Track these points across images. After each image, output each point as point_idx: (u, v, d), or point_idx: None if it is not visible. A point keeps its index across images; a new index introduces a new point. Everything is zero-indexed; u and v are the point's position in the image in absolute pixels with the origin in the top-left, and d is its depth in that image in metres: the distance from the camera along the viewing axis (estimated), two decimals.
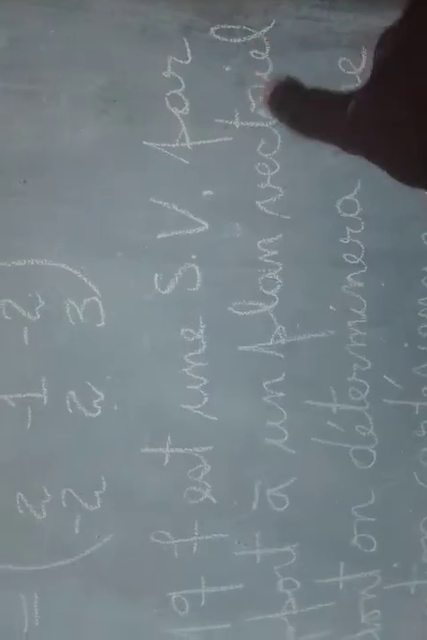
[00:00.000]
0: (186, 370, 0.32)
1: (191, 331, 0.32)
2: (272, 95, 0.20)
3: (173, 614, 0.31)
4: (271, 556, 0.31)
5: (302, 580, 0.33)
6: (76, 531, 0.30)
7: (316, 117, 0.19)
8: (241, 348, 0.32)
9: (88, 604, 0.30)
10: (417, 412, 0.33)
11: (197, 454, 0.31)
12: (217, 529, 0.31)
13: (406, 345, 0.32)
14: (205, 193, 0.32)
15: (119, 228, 0.31)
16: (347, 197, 0.32)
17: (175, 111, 0.35)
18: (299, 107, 0.20)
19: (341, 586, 0.33)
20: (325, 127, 0.19)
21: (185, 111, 0.31)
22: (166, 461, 0.31)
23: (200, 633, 0.31)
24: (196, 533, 0.31)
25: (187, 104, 0.35)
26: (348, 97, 0.18)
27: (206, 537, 0.31)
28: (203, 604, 0.31)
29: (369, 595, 0.33)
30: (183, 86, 0.30)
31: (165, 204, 0.31)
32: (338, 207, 0.32)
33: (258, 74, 0.31)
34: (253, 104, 0.32)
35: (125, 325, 0.33)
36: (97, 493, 0.30)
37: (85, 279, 0.35)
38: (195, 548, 0.31)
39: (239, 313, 0.32)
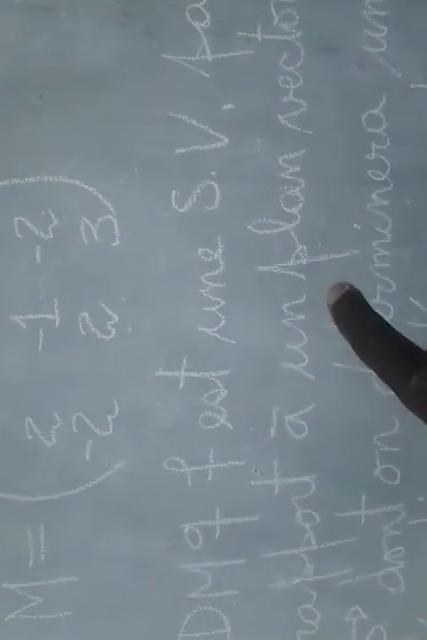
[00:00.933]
0: (203, 291, 0.32)
1: (209, 250, 0.32)
2: (337, 305, 0.20)
3: (186, 548, 0.31)
4: (290, 487, 0.31)
5: (322, 513, 0.32)
6: (87, 457, 0.30)
7: (379, 358, 0.19)
8: (260, 268, 0.32)
9: (97, 537, 0.31)
10: None
11: (213, 378, 0.31)
12: (233, 456, 0.31)
13: None
14: (226, 107, 0.31)
15: (136, 144, 0.31)
16: (372, 112, 0.32)
17: (196, 24, 0.37)
18: (365, 335, 0.19)
19: (362, 520, 0.33)
20: (387, 374, 0.18)
21: (206, 24, 0.31)
22: (181, 385, 0.31)
23: (213, 568, 0.31)
24: (211, 461, 0.30)
25: (208, 17, 0.37)
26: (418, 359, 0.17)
27: (222, 465, 0.30)
28: (217, 536, 0.30)
29: (392, 531, 0.32)
30: None
31: (183, 118, 0.31)
32: (363, 122, 0.32)
33: None
34: (276, 17, 0.32)
35: (141, 245, 0.33)
36: (109, 418, 0.30)
37: (100, 196, 0.36)
38: (209, 477, 0.30)
39: (259, 232, 0.32)
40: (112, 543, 0.35)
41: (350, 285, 0.21)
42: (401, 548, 0.38)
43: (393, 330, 0.19)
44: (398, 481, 0.37)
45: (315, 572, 0.37)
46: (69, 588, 0.35)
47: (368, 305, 0.21)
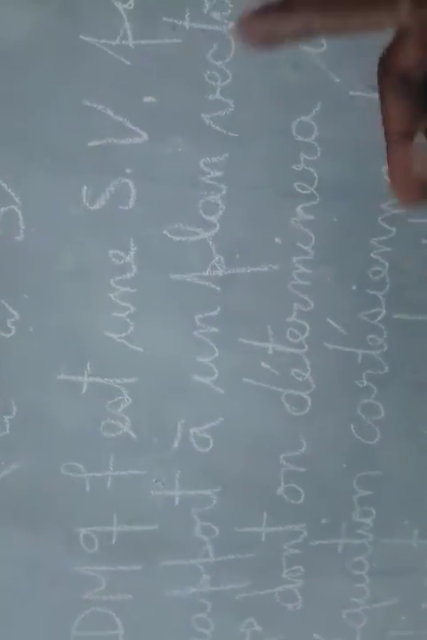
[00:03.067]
0: (112, 295, 0.33)
1: (120, 253, 0.34)
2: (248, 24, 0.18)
3: (81, 551, 0.33)
4: (191, 499, 0.33)
5: (222, 527, 0.35)
6: None
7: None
8: (174, 276, 0.33)
9: None
10: (360, 360, 0.35)
11: (117, 385, 0.33)
12: (134, 465, 0.33)
13: (353, 287, 0.34)
14: (147, 99, 0.33)
15: (47, 132, 0.32)
16: (304, 118, 0.33)
17: (118, 5, 0.35)
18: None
19: (263, 537, 0.36)
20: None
21: (129, 5, 0.32)
22: (84, 390, 0.33)
23: (109, 573, 0.34)
24: (111, 468, 0.33)
25: None
26: None
27: (122, 473, 0.33)
28: (114, 542, 0.33)
29: (292, 549, 0.35)
30: None
31: (99, 107, 0.32)
32: (293, 129, 0.33)
33: None
34: (207, 4, 0.32)
35: (47, 241, 0.33)
36: (6, 418, 0.32)
37: (5, 185, 0.34)
38: (109, 483, 0.33)
39: (175, 237, 0.33)
40: (5, 543, 0.38)
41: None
42: (300, 566, 0.41)
43: None
44: (301, 501, 0.40)
45: (211, 583, 0.40)
46: None
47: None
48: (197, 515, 0.38)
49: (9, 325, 0.36)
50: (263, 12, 0.17)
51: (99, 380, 0.37)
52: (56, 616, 0.38)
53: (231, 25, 0.21)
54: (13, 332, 0.36)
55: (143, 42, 0.36)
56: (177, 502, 0.38)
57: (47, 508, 0.37)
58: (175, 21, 0.36)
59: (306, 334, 0.38)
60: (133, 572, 0.38)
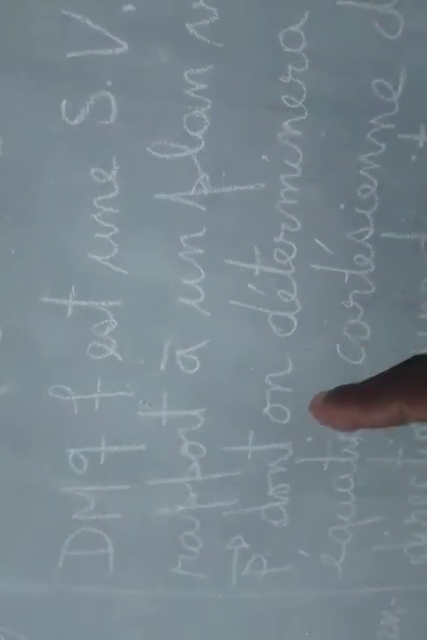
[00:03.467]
0: (95, 216, 0.43)
1: (103, 171, 0.43)
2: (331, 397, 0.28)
3: (70, 472, 0.44)
4: (178, 419, 0.44)
5: (209, 446, 0.46)
6: None
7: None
8: (158, 195, 0.43)
9: None
10: (347, 280, 0.46)
11: (103, 308, 0.43)
12: (121, 388, 0.43)
13: (342, 206, 0.43)
14: (126, 8, 0.41)
15: (22, 44, 0.40)
16: (292, 28, 0.42)
17: None
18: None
19: (249, 456, 0.47)
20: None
21: None
22: (69, 313, 0.42)
23: (97, 492, 0.45)
24: (98, 390, 0.43)
25: None
26: None
27: (109, 394, 0.43)
28: (102, 462, 0.43)
29: (278, 467, 0.47)
30: None
31: (78, 17, 0.41)
32: (281, 39, 0.42)
33: None
34: None
35: (26, 158, 0.41)
36: None
37: None
38: (96, 405, 0.43)
39: (159, 155, 0.42)
40: None
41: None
42: (286, 484, 0.52)
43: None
44: (287, 420, 0.51)
45: (199, 501, 0.51)
46: None
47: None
48: (184, 434, 0.48)
49: None
50: (347, 398, 0.26)
51: (83, 303, 0.46)
52: (46, 536, 0.49)
53: (313, 403, 0.28)
54: None
55: None
56: (164, 423, 0.48)
57: (35, 431, 0.47)
58: None
59: (293, 255, 0.47)
60: (122, 492, 0.49)
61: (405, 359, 0.26)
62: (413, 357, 0.25)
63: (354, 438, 0.52)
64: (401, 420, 0.24)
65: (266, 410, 0.50)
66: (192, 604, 0.52)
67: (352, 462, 0.52)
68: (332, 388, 0.51)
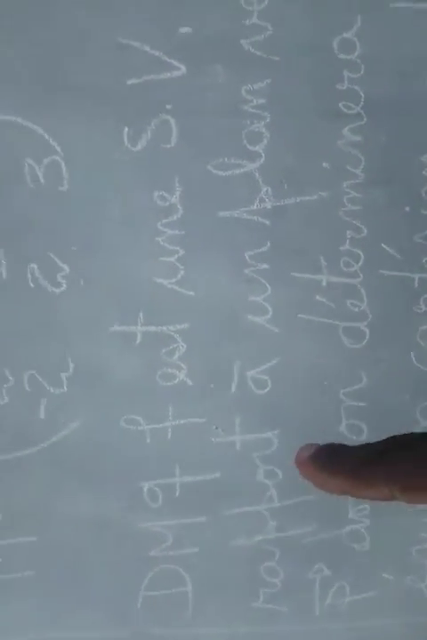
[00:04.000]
0: (160, 239, 0.59)
1: (166, 194, 0.59)
2: (319, 455, 0.35)
3: (145, 506, 0.59)
4: (251, 443, 0.59)
5: (284, 469, 0.62)
6: (42, 416, 0.57)
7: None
8: (221, 213, 0.58)
9: (54, 497, 0.58)
10: (417, 284, 0.62)
11: (171, 332, 0.58)
12: (193, 413, 0.59)
13: (407, 209, 0.59)
14: (182, 30, 0.58)
15: (83, 75, 0.56)
16: (345, 35, 0.58)
17: None
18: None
19: None
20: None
21: None
22: (138, 340, 0.58)
23: (174, 527, 0.60)
24: (170, 418, 0.58)
25: None
26: None
27: (181, 422, 0.58)
28: (177, 494, 0.59)
29: None
30: None
31: (135, 44, 0.56)
32: (335, 47, 0.58)
33: None
34: None
35: (92, 188, 0.58)
36: (63, 376, 0.57)
37: (45, 135, 0.57)
38: (169, 434, 0.58)
39: (220, 173, 0.58)
40: (69, 503, 0.63)
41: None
42: (366, 505, 0.67)
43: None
44: (364, 436, 0.66)
45: (277, 529, 0.66)
46: (29, 548, 0.63)
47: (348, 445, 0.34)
48: (259, 459, 0.63)
49: (59, 280, 0.60)
50: (337, 468, 0.33)
51: (152, 328, 0.61)
52: (124, 577, 0.64)
53: (299, 457, 0.35)
54: (64, 286, 0.60)
55: None
56: (238, 447, 0.63)
57: (109, 464, 0.62)
58: None
59: (360, 262, 0.63)
60: (198, 524, 0.64)
61: (403, 433, 0.33)
62: (410, 435, 0.31)
63: None
64: (393, 499, 0.31)
65: (342, 427, 0.65)
66: (275, 639, 0.67)
67: None
68: (408, 399, 0.66)
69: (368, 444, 0.33)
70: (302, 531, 0.68)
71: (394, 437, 0.32)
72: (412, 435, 0.32)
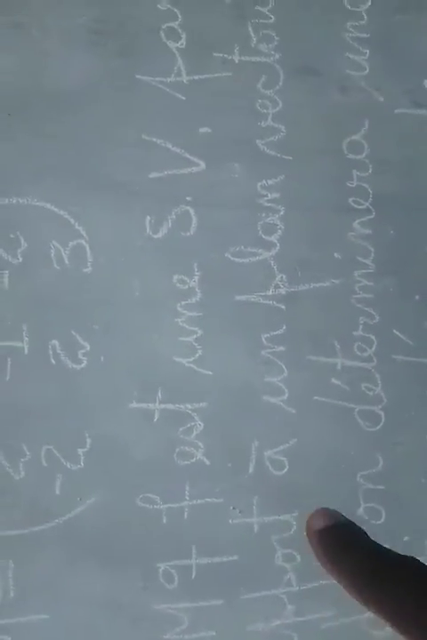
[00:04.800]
0: (179, 320, 0.67)
1: (185, 278, 0.67)
2: (327, 538, 0.35)
3: (161, 588, 0.66)
4: (269, 525, 0.66)
5: (303, 553, 0.69)
6: (57, 492, 0.64)
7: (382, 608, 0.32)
8: (238, 297, 0.67)
9: (68, 574, 0.65)
10: None
11: (189, 411, 0.66)
12: (210, 493, 0.66)
13: (417, 297, 0.67)
14: (202, 130, 0.67)
15: (109, 167, 0.66)
16: (354, 137, 0.68)
17: (171, 44, 0.68)
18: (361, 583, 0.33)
19: None
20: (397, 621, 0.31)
21: (181, 44, 0.67)
22: (156, 418, 0.66)
23: (190, 609, 0.66)
24: (187, 497, 0.66)
25: (183, 37, 0.67)
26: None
27: (198, 502, 0.66)
28: (194, 576, 0.65)
29: None
30: (180, 19, 0.65)
31: (158, 141, 0.66)
32: (344, 148, 0.68)
33: (258, 8, 0.64)
34: (254, 38, 0.68)
35: (114, 271, 0.66)
36: (80, 451, 0.64)
37: (72, 220, 0.66)
38: (186, 514, 0.65)
39: (237, 260, 0.67)
40: (84, 581, 0.69)
41: (342, 515, 0.35)
42: None
43: (393, 568, 0.32)
44: (382, 520, 0.72)
45: (296, 613, 0.71)
46: (40, 626, 0.68)
47: (367, 537, 0.34)
48: (277, 542, 0.69)
49: (80, 357, 0.68)
50: (338, 565, 0.35)
51: (170, 406, 0.69)
52: None
53: (309, 527, 0.36)
54: (85, 363, 0.68)
55: (196, 77, 0.71)
56: (256, 530, 0.69)
57: (124, 543, 0.68)
58: (225, 56, 0.71)
59: (374, 347, 0.71)
60: (215, 608, 0.69)
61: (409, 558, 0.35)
62: (412, 563, 0.33)
63: None
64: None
65: (360, 510, 0.71)
66: None
67: None
68: (425, 482, 0.72)
69: (381, 551, 0.35)
70: (320, 615, 0.72)
71: (399, 559, 0.34)
72: (413, 564, 0.33)
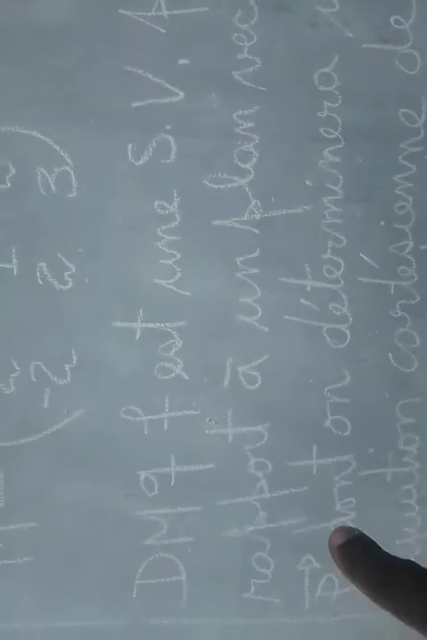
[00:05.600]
0: (159, 244, 0.78)
1: (165, 204, 0.78)
2: (345, 551, 0.44)
3: (142, 495, 0.76)
4: (243, 436, 0.77)
5: (274, 461, 0.81)
6: (46, 405, 0.74)
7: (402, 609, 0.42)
8: (215, 222, 0.78)
9: (55, 484, 0.76)
10: (393, 291, 0.82)
11: (168, 329, 0.77)
12: (188, 406, 0.77)
13: (382, 223, 0.79)
14: (182, 62, 0.78)
15: (93, 97, 0.76)
16: (325, 70, 0.79)
17: None
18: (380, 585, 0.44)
19: (314, 470, 0.81)
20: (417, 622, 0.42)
21: None
22: (138, 336, 0.76)
23: (170, 515, 0.77)
24: (167, 410, 0.77)
25: None
26: None
27: (177, 414, 0.77)
28: (172, 483, 0.76)
29: (344, 481, 0.81)
30: None
31: (140, 72, 0.77)
32: (315, 80, 0.79)
33: None
34: None
35: (98, 197, 0.77)
36: (67, 367, 0.75)
37: (57, 148, 0.76)
38: (165, 425, 0.76)
39: (214, 186, 0.78)
40: (70, 490, 0.80)
41: (356, 529, 0.45)
42: (352, 498, 0.84)
43: (407, 570, 0.45)
44: (348, 432, 0.84)
45: (268, 520, 0.82)
46: (28, 534, 0.79)
47: (377, 547, 0.46)
48: (250, 451, 0.81)
49: (66, 278, 0.78)
50: (357, 575, 0.45)
51: (151, 325, 0.80)
52: (120, 563, 0.79)
53: (331, 543, 0.43)
54: (71, 284, 0.79)
55: (175, 12, 0.81)
56: (230, 440, 0.80)
57: (108, 453, 0.79)
58: None
59: (341, 270, 0.82)
60: (193, 514, 0.80)
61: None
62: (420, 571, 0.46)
63: (413, 447, 0.84)
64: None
65: (327, 422, 0.83)
66: (267, 631, 0.82)
67: (414, 471, 0.84)
68: (388, 397, 0.83)
69: (387, 559, 0.48)
70: (291, 522, 0.84)
71: (401, 563, 0.47)
72: (412, 567, 0.46)
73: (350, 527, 0.46)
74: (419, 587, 0.43)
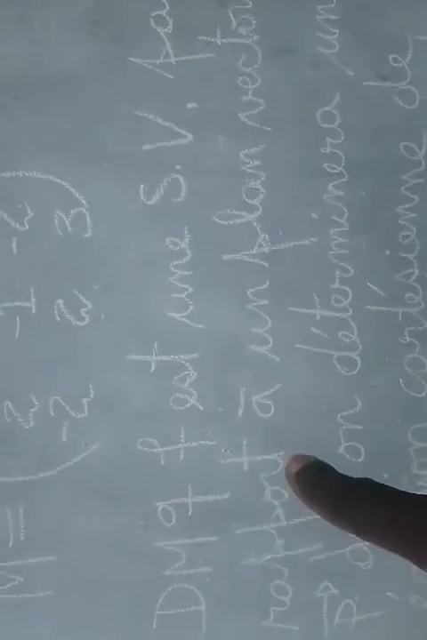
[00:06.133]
0: (171, 279, 0.80)
1: (176, 240, 0.81)
2: (302, 477, 0.41)
3: (160, 526, 0.78)
4: (258, 464, 0.79)
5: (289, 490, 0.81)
6: (64, 439, 0.77)
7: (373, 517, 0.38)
8: (225, 256, 0.81)
9: (74, 517, 0.78)
10: (401, 318, 0.85)
11: (182, 361, 0.79)
12: (203, 436, 0.79)
13: (387, 252, 0.82)
14: (190, 105, 0.81)
15: (106, 141, 0.80)
16: (326, 108, 0.82)
17: (159, 30, 0.82)
18: (346, 502, 0.40)
19: None
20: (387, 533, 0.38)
21: (169, 30, 0.81)
22: (153, 368, 0.79)
23: (187, 546, 0.79)
24: (182, 440, 0.79)
25: (170, 23, 0.81)
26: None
27: (193, 444, 0.79)
28: (190, 514, 0.78)
29: None
30: (167, 7, 0.79)
31: (150, 116, 0.80)
32: (318, 118, 0.82)
33: None
34: (234, 22, 0.82)
35: (112, 235, 0.80)
36: (84, 401, 0.78)
37: (73, 190, 0.80)
38: (181, 456, 0.78)
39: (223, 222, 0.81)
40: (88, 522, 0.81)
41: (312, 457, 0.42)
42: None
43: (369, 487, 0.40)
44: (361, 458, 0.85)
45: (285, 548, 0.84)
46: (49, 567, 0.80)
47: (334, 470, 0.42)
48: (265, 479, 0.82)
49: (83, 314, 0.81)
50: (314, 497, 0.40)
51: (165, 357, 0.82)
52: (140, 594, 0.81)
53: (287, 470, 0.41)
54: (87, 320, 0.81)
55: (183, 58, 0.85)
56: (246, 468, 0.82)
57: (126, 485, 0.81)
58: (208, 39, 0.85)
59: (349, 299, 0.85)
60: (211, 543, 0.82)
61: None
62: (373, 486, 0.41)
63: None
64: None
65: (341, 448, 0.85)
66: None
67: None
68: (399, 422, 0.85)
69: (345, 480, 0.42)
70: (308, 549, 0.85)
71: (359, 482, 0.42)
72: (370, 483, 0.41)
73: (306, 454, 0.43)
74: (377, 502, 0.40)
